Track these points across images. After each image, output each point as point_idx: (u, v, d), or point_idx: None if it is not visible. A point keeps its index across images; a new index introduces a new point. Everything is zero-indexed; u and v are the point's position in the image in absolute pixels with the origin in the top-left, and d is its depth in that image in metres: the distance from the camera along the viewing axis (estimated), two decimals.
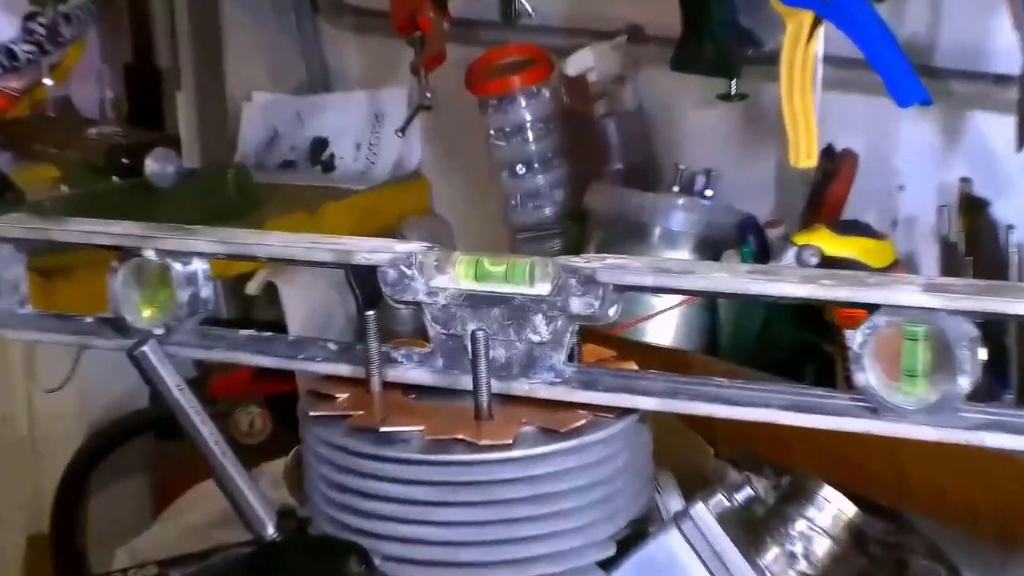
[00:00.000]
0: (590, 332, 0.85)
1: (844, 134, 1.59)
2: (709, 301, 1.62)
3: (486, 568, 0.78)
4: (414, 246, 0.85)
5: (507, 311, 0.82)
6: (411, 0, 1.78)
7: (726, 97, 1.58)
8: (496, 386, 0.81)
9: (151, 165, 1.85)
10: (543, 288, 0.81)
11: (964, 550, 1.18)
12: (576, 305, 0.80)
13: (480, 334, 0.79)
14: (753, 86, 1.61)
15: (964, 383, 0.71)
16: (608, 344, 0.91)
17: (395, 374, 0.85)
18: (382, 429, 0.79)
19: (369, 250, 0.85)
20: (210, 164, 2.08)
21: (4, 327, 0.96)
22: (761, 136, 1.74)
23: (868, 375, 0.73)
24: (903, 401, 0.72)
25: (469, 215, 2.29)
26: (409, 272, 0.84)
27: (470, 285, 0.83)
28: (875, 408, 0.74)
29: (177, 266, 0.90)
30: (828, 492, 0.84)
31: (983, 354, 0.72)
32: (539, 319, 0.81)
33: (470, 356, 0.81)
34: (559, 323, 0.81)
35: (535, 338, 0.82)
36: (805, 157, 1.40)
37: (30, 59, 2.01)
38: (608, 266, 0.80)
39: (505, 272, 0.82)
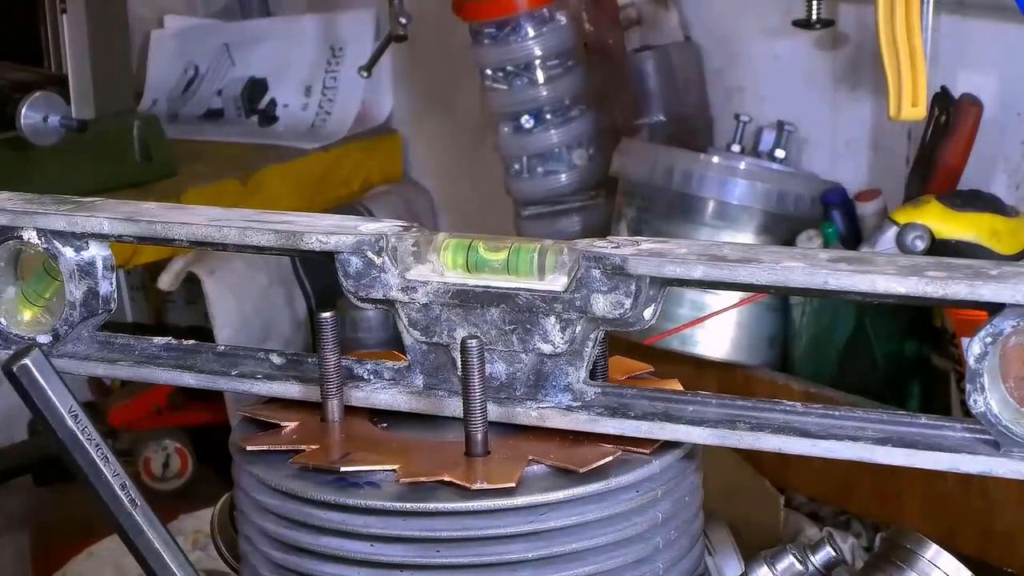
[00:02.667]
0: (620, 341, 0.86)
1: (963, 74, 1.61)
2: (779, 300, 1.63)
3: None
4: (384, 225, 0.87)
5: (509, 312, 0.83)
6: None
7: (805, 24, 1.60)
8: (494, 412, 0.83)
9: (27, 115, 1.87)
10: (557, 282, 0.83)
11: None
12: (601, 305, 0.82)
13: (473, 343, 0.80)
14: (841, 9, 1.63)
15: None
16: (644, 357, 0.92)
17: (360, 396, 0.87)
18: (343, 469, 0.81)
19: (324, 231, 0.87)
20: (107, 115, 2.10)
21: None
22: (851, 77, 1.76)
23: (989, 398, 0.75)
24: None
25: (456, 184, 2.30)
26: (378, 260, 0.85)
27: (460, 278, 0.85)
28: (997, 442, 0.75)
29: (68, 252, 0.91)
30: (935, 554, 0.86)
31: None
32: (551, 323, 0.83)
33: (459, 372, 0.83)
34: (578, 328, 0.82)
35: (546, 348, 0.83)
36: (910, 105, 1.42)
37: None
38: (644, 252, 0.81)
39: (506, 260, 0.84)
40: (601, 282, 0.81)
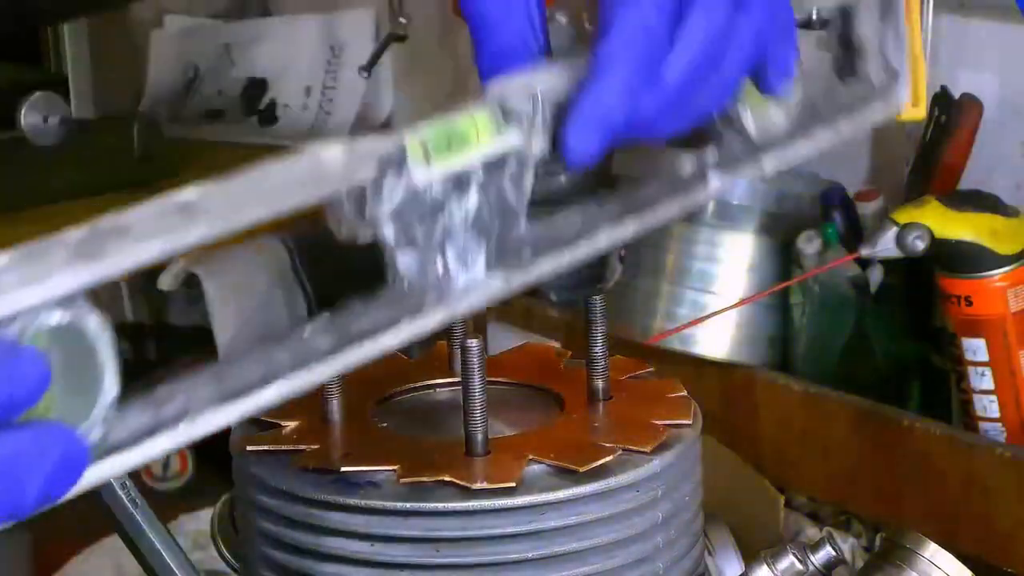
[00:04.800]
0: (620, 341, 0.86)
1: (963, 74, 1.61)
2: (779, 300, 1.63)
3: None
4: None
5: None
6: None
7: (805, 24, 1.59)
8: None
9: (28, 115, 1.87)
10: None
11: None
12: None
13: (473, 343, 0.81)
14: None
15: None
16: (644, 356, 0.92)
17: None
18: (343, 469, 0.81)
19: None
20: (107, 115, 2.10)
21: None
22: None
23: None
24: None
25: None
26: None
27: None
28: None
29: None
30: (935, 554, 0.86)
31: None
32: None
33: (461, 371, 0.83)
34: None
35: None
36: (910, 106, 1.41)
37: None
38: None
39: None
40: None
